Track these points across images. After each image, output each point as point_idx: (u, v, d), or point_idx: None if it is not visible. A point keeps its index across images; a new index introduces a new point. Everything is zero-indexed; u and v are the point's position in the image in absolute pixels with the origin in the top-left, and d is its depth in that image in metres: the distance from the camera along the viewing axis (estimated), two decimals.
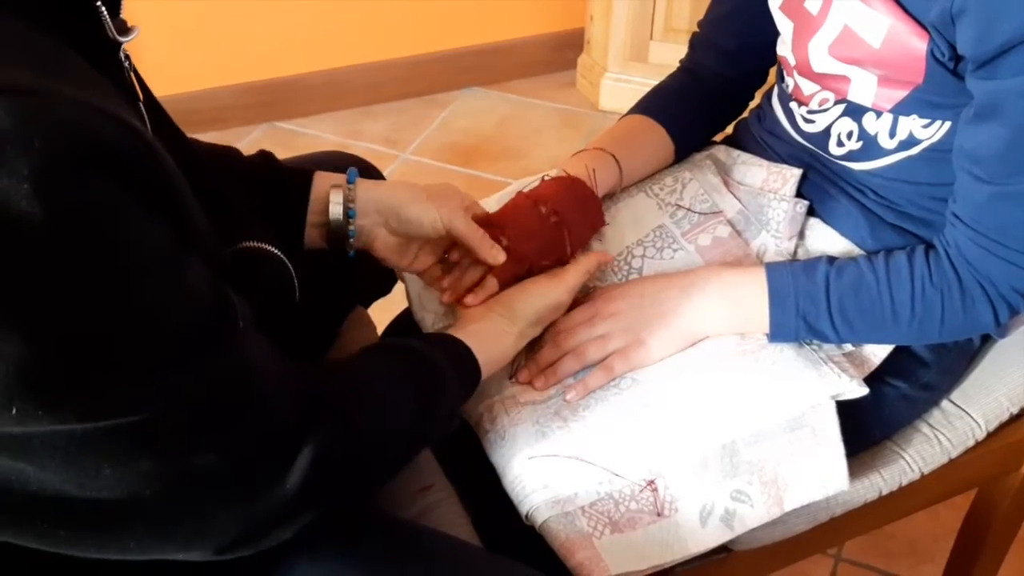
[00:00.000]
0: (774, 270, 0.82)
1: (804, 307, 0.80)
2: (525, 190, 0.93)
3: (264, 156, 0.87)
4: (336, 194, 0.82)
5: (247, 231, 0.75)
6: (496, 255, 0.84)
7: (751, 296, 0.82)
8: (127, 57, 0.62)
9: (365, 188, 0.83)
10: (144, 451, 0.51)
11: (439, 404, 0.72)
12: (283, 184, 0.84)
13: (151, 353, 0.49)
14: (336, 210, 0.82)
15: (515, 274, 0.86)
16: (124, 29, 0.59)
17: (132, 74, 0.63)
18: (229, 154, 0.86)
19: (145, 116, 0.63)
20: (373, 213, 0.83)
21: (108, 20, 0.56)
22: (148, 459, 0.51)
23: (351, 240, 0.83)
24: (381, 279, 1.05)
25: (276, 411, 0.58)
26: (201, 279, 0.53)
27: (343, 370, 0.70)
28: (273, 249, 0.76)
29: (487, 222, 0.87)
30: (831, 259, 0.82)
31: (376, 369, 0.71)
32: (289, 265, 0.77)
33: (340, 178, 0.84)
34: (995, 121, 0.71)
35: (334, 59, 2.34)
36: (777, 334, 0.82)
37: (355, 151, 1.08)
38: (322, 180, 0.84)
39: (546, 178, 0.93)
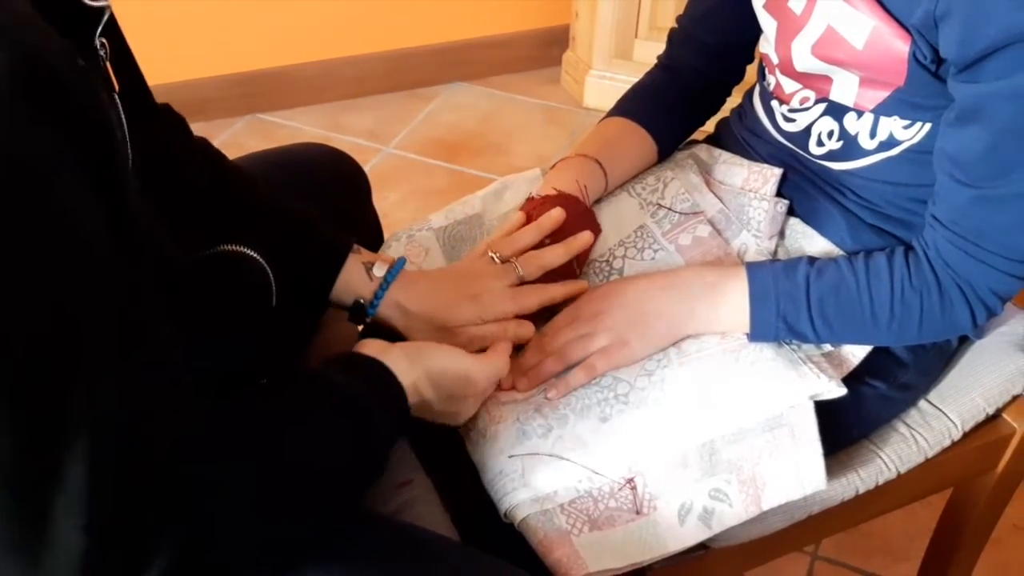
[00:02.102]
0: (755, 270, 0.83)
1: (784, 307, 0.81)
2: (518, 210, 0.93)
3: (302, 218, 0.84)
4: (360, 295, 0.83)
5: (227, 234, 0.74)
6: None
7: (732, 296, 0.82)
8: (104, 45, 0.60)
9: (391, 300, 0.83)
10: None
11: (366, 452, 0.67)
12: (314, 261, 0.82)
13: (52, 361, 0.42)
14: (354, 304, 0.83)
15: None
16: None
17: (108, 64, 0.61)
18: (245, 184, 0.84)
19: (120, 108, 0.62)
20: (392, 316, 0.84)
21: None
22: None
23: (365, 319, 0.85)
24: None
25: (198, 453, 0.52)
26: (123, 280, 0.47)
27: (257, 415, 0.63)
28: (253, 253, 0.75)
29: (484, 244, 0.89)
30: (812, 260, 0.83)
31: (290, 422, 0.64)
32: (269, 270, 0.77)
33: (374, 264, 0.83)
34: (976, 124, 0.71)
35: (318, 51, 2.33)
36: (757, 334, 0.82)
37: (338, 144, 1.08)
38: (352, 270, 0.83)
39: (533, 196, 0.93)
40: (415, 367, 0.72)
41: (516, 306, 0.85)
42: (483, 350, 0.81)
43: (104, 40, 0.60)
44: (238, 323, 0.65)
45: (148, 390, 0.48)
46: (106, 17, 0.58)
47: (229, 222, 0.80)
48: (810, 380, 0.79)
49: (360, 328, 0.85)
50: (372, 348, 0.72)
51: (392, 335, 0.82)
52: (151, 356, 0.49)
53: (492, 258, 0.87)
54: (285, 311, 0.80)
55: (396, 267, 0.84)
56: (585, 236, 0.91)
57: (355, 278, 0.83)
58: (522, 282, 0.87)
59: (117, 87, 0.62)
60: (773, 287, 0.81)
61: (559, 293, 0.87)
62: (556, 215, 0.90)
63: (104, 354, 0.45)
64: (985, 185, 0.73)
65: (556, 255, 0.88)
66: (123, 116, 0.62)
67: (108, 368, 0.45)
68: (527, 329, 0.85)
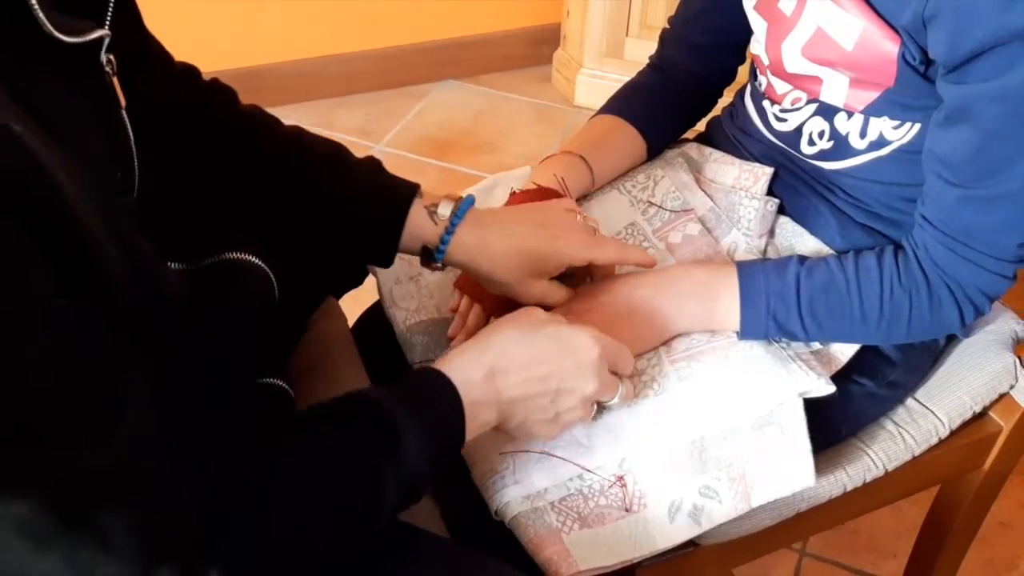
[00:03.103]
0: (745, 269, 0.83)
1: (774, 306, 0.81)
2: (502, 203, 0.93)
3: (372, 164, 0.82)
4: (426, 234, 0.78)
5: (230, 241, 0.74)
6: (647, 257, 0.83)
7: (722, 294, 0.82)
8: (110, 61, 0.59)
9: (460, 247, 0.77)
10: None
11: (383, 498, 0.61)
12: (381, 204, 0.79)
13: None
14: (422, 251, 0.79)
15: (505, 303, 0.85)
16: (76, 30, 0.54)
17: (115, 78, 0.60)
18: (328, 153, 0.81)
19: (127, 123, 0.61)
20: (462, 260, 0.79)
21: (39, 14, 0.50)
22: None
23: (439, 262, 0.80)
24: (353, 270, 1.05)
25: (170, 520, 0.49)
26: (75, 347, 0.45)
27: (268, 466, 0.58)
28: (256, 260, 0.75)
29: None
30: (802, 259, 0.83)
31: (310, 468, 0.59)
32: (272, 276, 0.76)
33: (439, 206, 0.78)
34: (965, 125, 0.72)
35: (309, 49, 2.32)
36: (747, 332, 0.82)
37: None
38: (417, 213, 0.78)
39: (515, 191, 0.93)
40: (482, 355, 0.67)
41: (591, 253, 0.80)
42: None
43: (111, 56, 0.59)
44: (238, 340, 0.65)
45: (107, 463, 0.46)
46: (107, 42, 0.57)
47: (287, 185, 0.78)
48: (799, 378, 0.80)
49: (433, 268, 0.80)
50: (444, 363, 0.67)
51: None
52: (119, 425, 0.47)
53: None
54: (283, 311, 0.80)
55: (463, 207, 0.78)
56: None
57: (419, 223, 0.78)
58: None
59: (124, 102, 0.62)
60: (764, 285, 0.81)
61: (636, 256, 0.83)
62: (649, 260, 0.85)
63: (58, 424, 0.44)
64: (973, 185, 0.74)
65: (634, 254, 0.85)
66: (130, 131, 0.62)
67: (57, 442, 0.44)
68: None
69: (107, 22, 0.59)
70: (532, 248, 0.78)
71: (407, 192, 0.79)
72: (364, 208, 0.79)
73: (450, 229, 0.78)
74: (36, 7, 0.50)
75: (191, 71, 0.83)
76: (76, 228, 0.46)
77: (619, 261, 0.83)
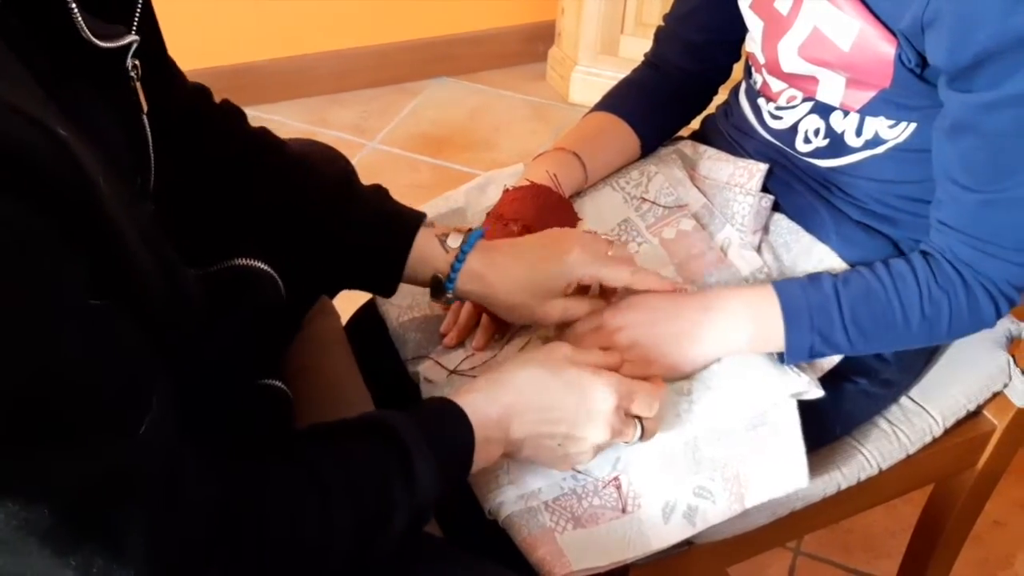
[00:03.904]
0: (783, 287, 0.80)
1: (818, 320, 0.79)
2: (492, 208, 0.93)
3: (379, 191, 0.82)
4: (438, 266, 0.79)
5: (238, 247, 0.74)
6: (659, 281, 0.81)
7: (768, 315, 0.80)
8: (135, 67, 0.59)
9: (471, 275, 0.78)
10: None
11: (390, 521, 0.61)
12: (387, 233, 0.79)
13: (17, 432, 0.41)
14: (433, 281, 0.79)
15: None
16: (110, 35, 0.54)
17: (138, 84, 0.60)
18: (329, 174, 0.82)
19: (147, 128, 0.61)
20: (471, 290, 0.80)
21: (79, 19, 0.51)
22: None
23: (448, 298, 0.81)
24: None
25: (182, 524, 0.49)
26: (102, 348, 0.45)
27: (278, 475, 0.59)
28: (264, 266, 0.74)
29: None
30: (831, 273, 0.81)
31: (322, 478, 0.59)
32: (280, 282, 0.76)
33: (449, 237, 0.79)
34: (974, 134, 0.72)
35: (303, 45, 2.32)
36: (792, 350, 0.79)
37: (323, 139, 1.07)
38: (426, 242, 0.79)
39: (508, 188, 0.93)
40: (500, 393, 0.68)
41: (606, 271, 0.80)
42: None
43: (136, 62, 0.59)
44: (245, 344, 0.65)
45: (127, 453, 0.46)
46: (135, 47, 0.57)
47: (294, 203, 0.79)
48: (792, 379, 0.79)
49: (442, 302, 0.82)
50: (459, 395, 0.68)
51: None
52: (142, 415, 0.47)
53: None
54: (282, 312, 0.79)
55: (472, 237, 0.79)
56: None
57: (430, 252, 0.79)
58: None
59: (146, 107, 0.61)
60: (804, 301, 0.79)
61: (652, 281, 0.81)
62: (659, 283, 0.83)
63: (86, 417, 0.44)
64: (991, 190, 0.73)
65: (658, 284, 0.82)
66: (150, 136, 0.62)
67: (88, 431, 0.44)
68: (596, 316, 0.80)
69: (135, 27, 0.59)
70: (541, 267, 0.79)
71: (413, 220, 0.80)
72: (369, 234, 0.79)
73: (461, 257, 0.78)
74: (75, 11, 0.50)
75: (202, 89, 0.83)
76: (112, 232, 0.46)
77: (629, 285, 0.80)
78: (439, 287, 0.80)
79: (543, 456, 0.71)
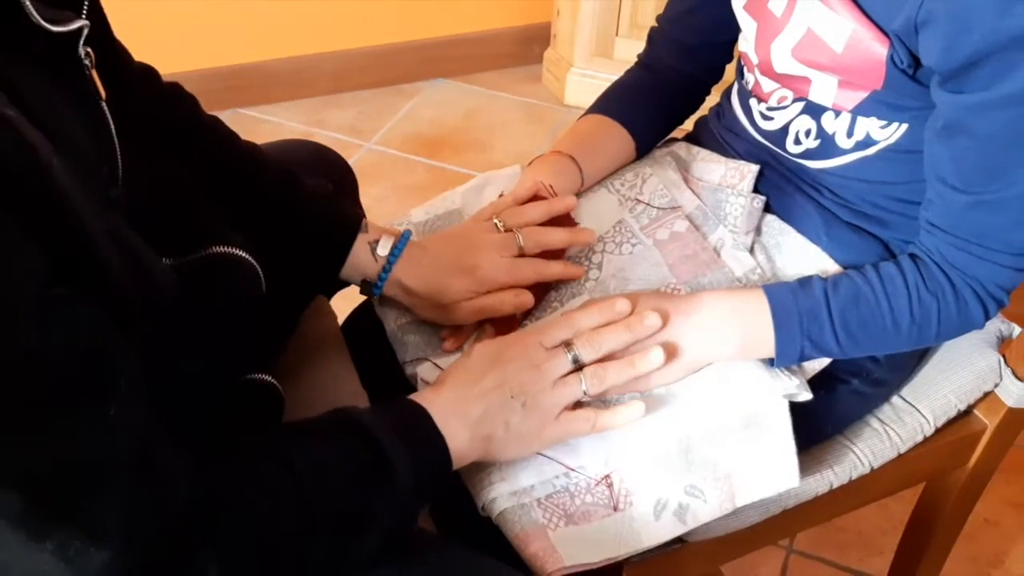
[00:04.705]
0: (773, 292, 0.80)
1: (808, 324, 0.79)
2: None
3: (324, 190, 0.87)
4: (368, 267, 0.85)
5: (215, 234, 0.74)
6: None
7: (757, 320, 0.80)
8: (88, 54, 0.59)
9: (394, 279, 0.85)
10: None
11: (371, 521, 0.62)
12: (329, 234, 0.84)
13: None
14: (363, 283, 0.86)
15: (512, 316, 0.87)
16: (60, 20, 0.54)
17: (94, 71, 0.60)
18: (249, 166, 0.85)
19: (108, 116, 0.61)
20: (397, 293, 0.86)
21: (28, 3, 0.51)
22: None
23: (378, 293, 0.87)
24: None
25: (158, 504, 0.49)
26: (66, 335, 0.45)
27: (256, 469, 0.59)
28: (243, 253, 0.75)
29: None
30: (821, 277, 0.82)
31: (299, 473, 0.59)
32: (259, 270, 0.76)
33: (379, 245, 0.85)
34: (967, 134, 0.72)
35: (300, 46, 2.32)
36: (782, 355, 0.80)
37: (319, 139, 1.08)
38: (359, 248, 0.85)
39: (503, 197, 0.94)
40: (437, 392, 0.71)
41: (511, 279, 0.86)
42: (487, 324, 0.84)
43: (89, 49, 0.59)
44: (227, 334, 0.65)
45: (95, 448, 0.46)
46: (85, 33, 0.57)
47: (238, 200, 0.81)
48: (783, 380, 0.80)
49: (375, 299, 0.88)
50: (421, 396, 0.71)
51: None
52: (110, 405, 0.47)
53: (496, 225, 0.88)
54: (272, 308, 0.80)
55: (399, 246, 0.85)
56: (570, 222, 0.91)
57: (360, 258, 0.85)
58: (520, 255, 0.88)
59: (104, 95, 0.61)
60: (794, 305, 0.79)
61: (556, 271, 0.88)
62: (570, 202, 0.91)
63: (52, 405, 0.44)
64: (981, 191, 0.74)
65: (559, 237, 0.89)
66: (112, 124, 0.62)
67: (56, 418, 0.44)
68: (525, 298, 0.85)
69: (84, 12, 0.59)
70: (454, 280, 0.85)
71: (353, 226, 0.84)
72: (312, 234, 0.84)
73: (387, 268, 0.85)
74: None
75: (149, 71, 0.84)
76: (70, 219, 0.46)
77: (538, 279, 0.87)
78: (368, 290, 0.87)
79: (513, 426, 0.72)
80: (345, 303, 1.06)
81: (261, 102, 2.33)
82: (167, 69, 0.85)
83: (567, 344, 0.76)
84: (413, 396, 0.71)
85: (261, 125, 2.27)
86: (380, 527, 0.62)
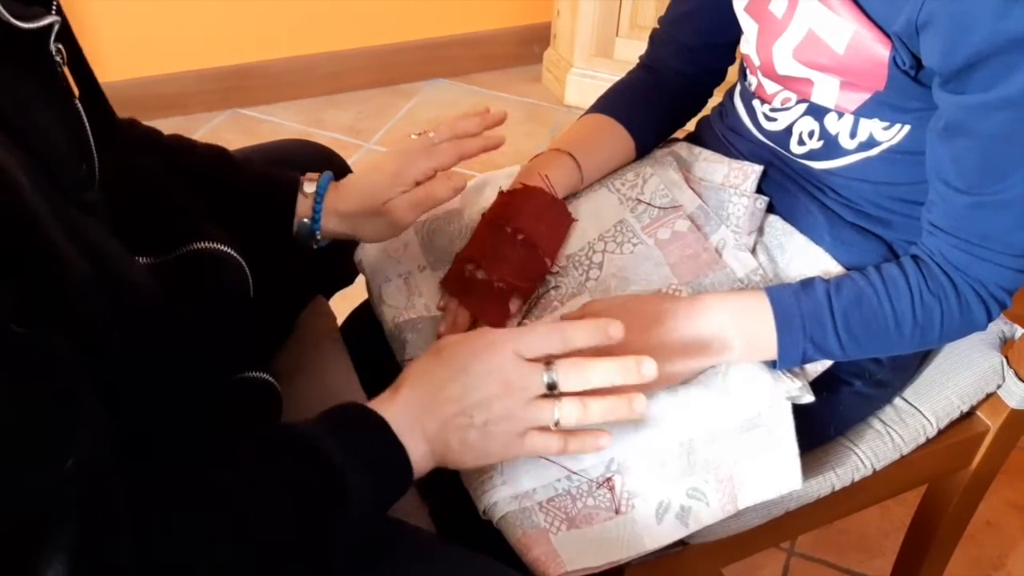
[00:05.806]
0: (775, 294, 0.80)
1: (810, 327, 0.79)
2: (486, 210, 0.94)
3: (254, 161, 0.88)
4: (302, 206, 0.85)
5: (199, 231, 0.73)
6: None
7: (760, 321, 0.79)
8: (60, 51, 0.58)
9: (328, 209, 0.86)
10: None
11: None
12: (273, 195, 0.86)
13: None
14: (301, 227, 0.86)
15: (503, 304, 0.86)
16: (30, 16, 0.54)
17: (66, 68, 0.59)
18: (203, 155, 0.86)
19: (83, 113, 0.60)
20: (337, 225, 0.86)
21: None
22: None
23: (318, 241, 0.87)
24: (343, 270, 1.05)
25: (104, 565, 0.48)
26: (33, 378, 0.44)
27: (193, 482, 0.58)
28: (227, 249, 0.74)
29: (457, 259, 0.90)
30: (823, 278, 0.81)
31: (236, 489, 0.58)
32: (244, 265, 0.76)
33: (304, 185, 0.86)
34: (968, 135, 0.72)
35: (299, 46, 2.32)
36: (785, 357, 0.79)
37: (319, 140, 1.08)
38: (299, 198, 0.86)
39: (503, 189, 0.94)
40: (392, 399, 0.67)
41: (433, 162, 0.87)
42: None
43: (60, 45, 0.58)
44: (214, 331, 0.64)
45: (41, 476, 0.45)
46: (56, 28, 0.57)
47: (181, 175, 0.82)
48: (786, 382, 0.79)
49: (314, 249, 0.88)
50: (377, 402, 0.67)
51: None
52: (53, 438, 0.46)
53: (428, 135, 0.89)
54: (264, 307, 0.79)
55: (324, 179, 0.86)
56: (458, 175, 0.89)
57: (299, 209, 0.86)
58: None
59: (77, 92, 0.61)
60: (796, 307, 0.79)
61: (474, 147, 0.89)
62: (501, 114, 0.92)
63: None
64: (982, 192, 0.73)
65: (471, 123, 0.90)
66: (86, 121, 0.61)
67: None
68: (456, 181, 0.86)
69: (53, 8, 0.58)
70: (377, 173, 0.86)
71: (292, 178, 0.86)
72: (260, 196, 0.86)
73: (318, 199, 0.85)
74: None
75: None
76: (34, 233, 0.45)
77: (459, 157, 0.89)
78: (308, 233, 0.86)
79: (471, 441, 0.67)
80: (345, 303, 1.06)
81: (261, 102, 2.33)
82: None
83: (547, 362, 0.68)
84: (371, 403, 0.66)
85: (260, 125, 2.26)
86: (339, 544, 0.61)
